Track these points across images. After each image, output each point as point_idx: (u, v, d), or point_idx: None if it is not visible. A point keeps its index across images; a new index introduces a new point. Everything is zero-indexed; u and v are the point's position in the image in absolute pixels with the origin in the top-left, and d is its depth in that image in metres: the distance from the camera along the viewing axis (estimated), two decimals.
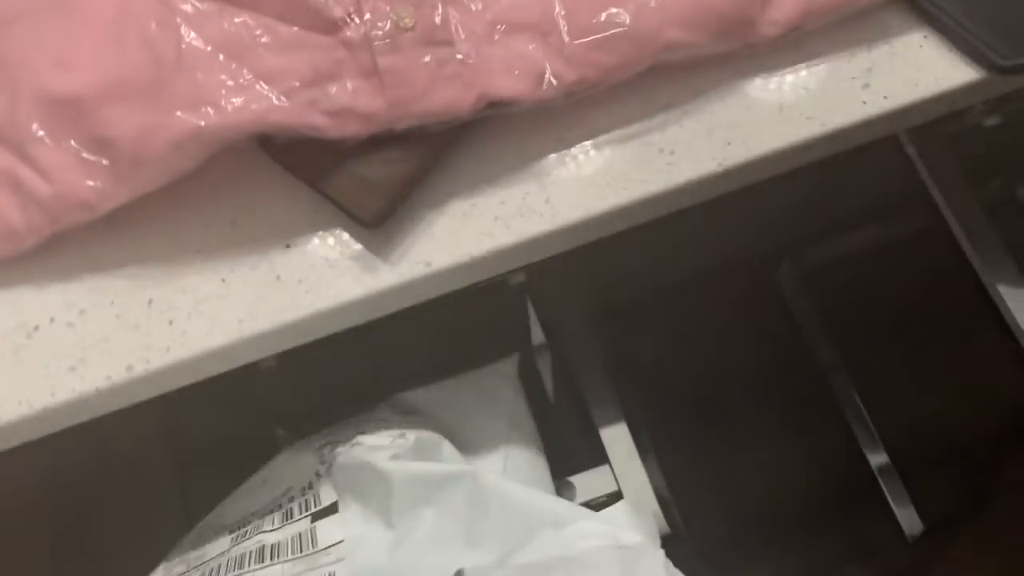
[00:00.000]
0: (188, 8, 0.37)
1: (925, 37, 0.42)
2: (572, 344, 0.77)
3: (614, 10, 0.39)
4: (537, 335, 0.82)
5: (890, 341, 1.05)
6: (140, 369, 0.38)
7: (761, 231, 0.98)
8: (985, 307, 0.80)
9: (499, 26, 0.39)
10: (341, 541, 0.44)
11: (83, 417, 0.39)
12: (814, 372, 1.04)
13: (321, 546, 0.43)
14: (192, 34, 0.37)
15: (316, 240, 0.40)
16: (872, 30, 0.42)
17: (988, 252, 0.83)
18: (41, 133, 0.38)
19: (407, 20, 0.38)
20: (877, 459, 1.06)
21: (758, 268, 1.05)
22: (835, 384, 1.06)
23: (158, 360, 0.38)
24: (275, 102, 0.37)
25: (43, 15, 0.39)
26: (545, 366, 0.86)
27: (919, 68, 0.41)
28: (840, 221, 1.01)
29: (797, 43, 0.42)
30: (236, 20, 0.37)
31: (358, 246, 0.40)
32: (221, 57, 0.37)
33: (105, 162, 0.37)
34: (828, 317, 1.05)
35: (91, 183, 0.37)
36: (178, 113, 0.36)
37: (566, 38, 0.39)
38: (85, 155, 0.37)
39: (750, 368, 1.05)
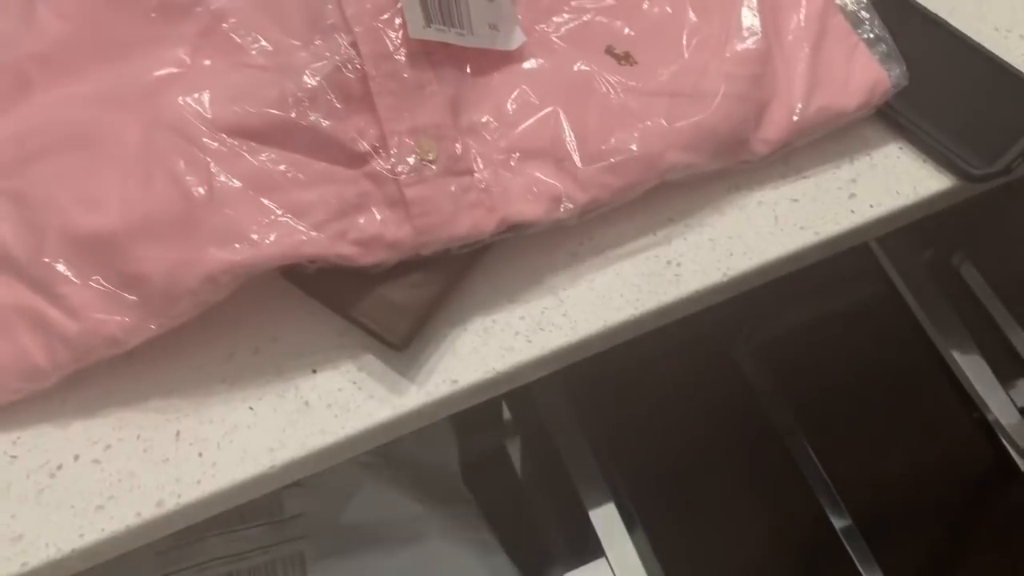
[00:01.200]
0: (215, 145, 0.38)
1: (901, 148, 0.45)
2: (552, 420, 0.77)
3: (622, 136, 0.41)
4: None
5: (848, 406, 1.09)
6: (171, 504, 0.38)
7: (717, 308, 1.02)
8: (938, 370, 0.84)
9: (515, 153, 0.41)
10: None
11: (112, 555, 0.38)
12: (777, 441, 1.07)
13: None
14: (220, 170, 0.38)
15: (342, 364, 0.40)
16: (853, 143, 0.45)
17: (939, 318, 0.87)
18: (68, 271, 0.38)
19: (431, 153, 0.39)
20: (841, 523, 1.09)
21: (715, 344, 1.09)
22: (796, 452, 1.09)
23: (189, 494, 0.38)
24: (306, 235, 0.38)
25: (65, 153, 0.39)
26: (514, 446, 0.87)
27: (898, 178, 0.45)
28: (792, 294, 1.05)
29: (786, 157, 0.45)
30: (263, 157, 0.38)
31: (384, 367, 0.40)
32: (250, 193, 0.38)
33: (134, 298, 0.37)
34: (786, 387, 1.08)
35: (120, 319, 0.38)
36: (210, 248, 0.37)
37: (578, 163, 0.41)
38: (114, 292, 0.38)
39: (716, 442, 1.08)
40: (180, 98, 0.39)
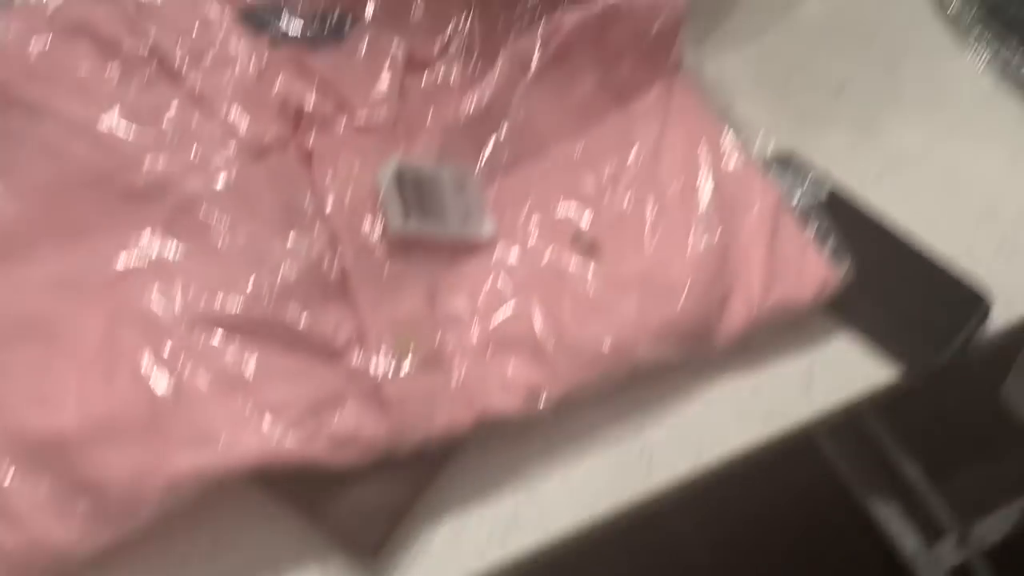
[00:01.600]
0: (184, 340, 0.36)
1: (850, 340, 0.47)
2: None
3: (596, 328, 0.42)
4: None
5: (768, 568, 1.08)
6: None
7: None
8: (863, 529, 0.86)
9: (491, 345, 0.41)
10: None
11: None
12: None
13: None
14: (189, 367, 0.36)
15: (305, 571, 0.38)
16: (806, 334, 0.47)
17: (862, 478, 0.89)
18: (13, 473, 0.35)
19: (410, 347, 0.39)
20: None
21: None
22: None
23: None
24: (278, 436, 0.36)
25: (18, 344, 0.37)
26: None
27: (850, 367, 0.46)
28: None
29: (745, 347, 0.46)
30: (236, 352, 0.37)
31: (352, 573, 0.38)
32: (221, 391, 0.36)
33: (87, 507, 0.34)
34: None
35: (67, 530, 0.34)
36: (176, 453, 0.35)
37: (553, 355, 0.41)
38: (64, 499, 0.35)
39: None
40: (147, 288, 0.37)
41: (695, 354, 0.44)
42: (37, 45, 0.44)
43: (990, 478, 0.96)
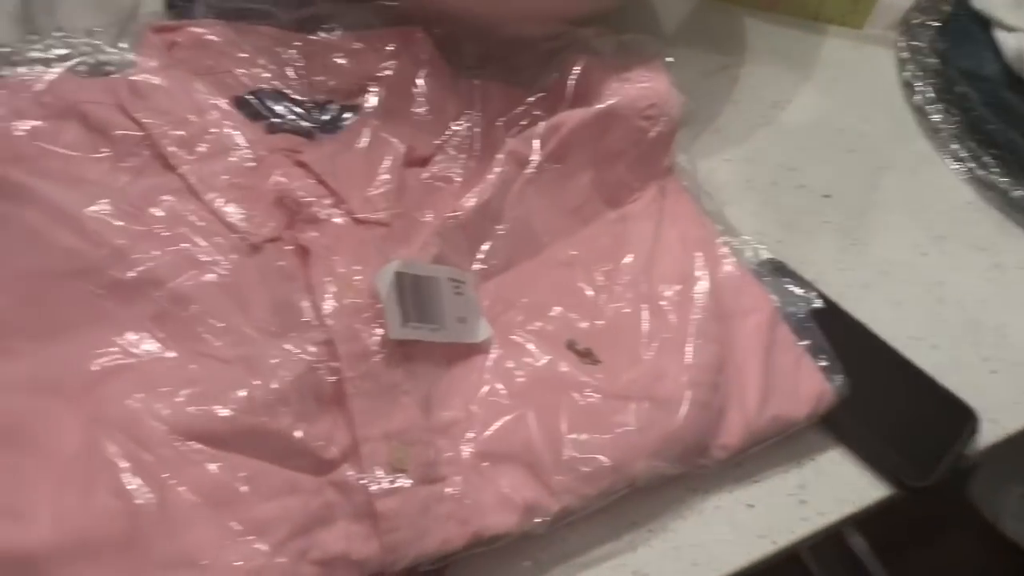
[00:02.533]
0: (168, 451, 0.35)
1: (843, 455, 0.47)
2: None
3: (593, 443, 0.41)
4: None
5: None
6: None
7: None
8: None
9: (486, 460, 0.39)
10: None
11: None
12: None
13: None
14: (173, 480, 0.34)
15: None
16: (799, 449, 0.46)
17: None
18: None
19: (403, 461, 0.37)
20: None
21: None
22: None
23: None
24: (265, 556, 0.34)
25: None
26: None
27: (843, 484, 0.46)
28: None
29: (739, 461, 0.45)
30: (223, 465, 0.35)
31: None
32: (206, 508, 0.34)
33: None
34: None
35: None
36: (156, 574, 0.32)
37: (550, 470, 0.40)
38: None
39: None
40: (130, 392, 0.36)
41: (691, 468, 0.43)
42: (23, 124, 0.42)
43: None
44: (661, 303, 0.46)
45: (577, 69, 0.51)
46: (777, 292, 0.49)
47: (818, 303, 0.49)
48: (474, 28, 0.53)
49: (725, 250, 0.49)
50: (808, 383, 0.46)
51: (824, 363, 0.46)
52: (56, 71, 0.45)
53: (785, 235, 0.55)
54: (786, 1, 0.66)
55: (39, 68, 0.46)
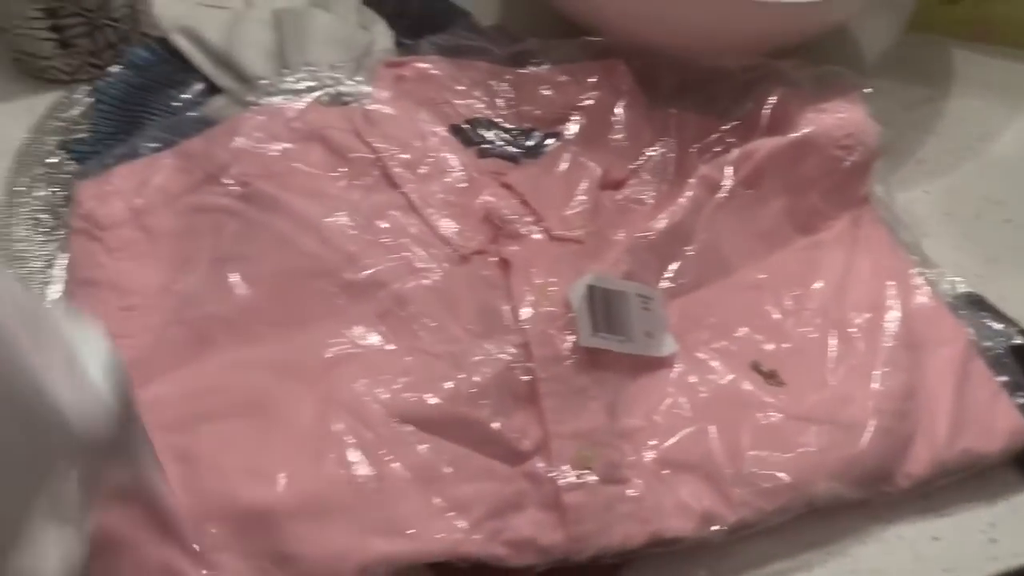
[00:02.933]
0: (387, 431, 0.39)
1: None
2: None
3: (773, 460, 0.42)
4: None
5: None
6: None
7: None
8: None
9: (666, 467, 0.42)
10: None
11: None
12: None
13: None
14: (388, 457, 0.39)
15: None
16: (992, 485, 0.45)
17: None
18: (220, 537, 0.38)
19: (590, 460, 0.40)
20: None
21: None
22: None
23: None
24: (464, 533, 0.38)
25: (237, 417, 0.41)
26: None
27: None
28: None
29: (925, 492, 0.45)
30: (431, 447, 0.39)
31: None
32: (417, 484, 0.38)
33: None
34: None
35: None
36: (371, 538, 0.37)
37: (729, 483, 0.41)
38: (264, 568, 0.37)
39: None
40: (356, 377, 0.41)
41: (873, 495, 0.43)
42: (276, 146, 0.49)
43: None
44: (850, 330, 0.47)
45: (773, 99, 0.52)
46: (974, 326, 0.48)
47: (1019, 339, 0.48)
48: (673, 60, 0.55)
49: (920, 281, 0.49)
50: (1004, 419, 0.44)
51: (1021, 400, 0.45)
52: (304, 101, 0.52)
53: (986, 270, 0.53)
54: (1000, 31, 0.65)
55: (290, 98, 0.53)
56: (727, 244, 0.50)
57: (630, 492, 0.40)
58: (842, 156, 0.51)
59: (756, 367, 0.46)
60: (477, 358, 0.42)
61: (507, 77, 0.55)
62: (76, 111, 0.58)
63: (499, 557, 0.38)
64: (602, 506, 0.39)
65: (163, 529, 0.39)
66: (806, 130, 0.51)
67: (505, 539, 0.38)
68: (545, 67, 0.55)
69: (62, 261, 0.48)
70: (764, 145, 0.51)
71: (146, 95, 0.57)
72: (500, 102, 0.54)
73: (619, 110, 0.53)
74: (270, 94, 0.53)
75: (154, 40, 0.60)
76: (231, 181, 0.48)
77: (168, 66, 0.59)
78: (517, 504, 0.39)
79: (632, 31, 0.55)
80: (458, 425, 0.40)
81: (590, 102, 0.53)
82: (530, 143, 0.53)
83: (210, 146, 0.49)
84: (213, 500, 0.39)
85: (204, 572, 0.37)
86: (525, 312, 0.43)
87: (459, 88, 0.54)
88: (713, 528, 0.41)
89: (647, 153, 0.52)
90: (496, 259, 0.46)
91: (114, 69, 0.59)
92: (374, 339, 0.43)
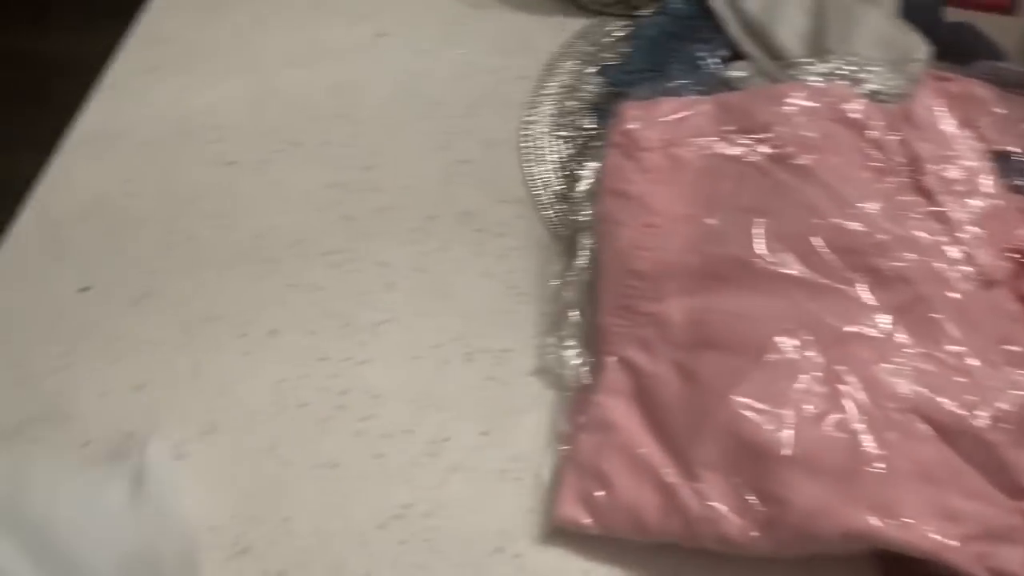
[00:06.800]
0: (895, 415, 0.40)
1: None
2: None
3: None
4: None
5: None
6: None
7: None
8: None
9: None
10: None
11: None
12: None
13: None
14: (894, 439, 0.39)
15: None
16: None
17: None
18: (712, 457, 0.40)
19: None
20: None
21: None
22: None
23: None
24: (950, 541, 0.37)
25: (742, 356, 0.42)
26: None
27: None
28: None
29: None
30: (938, 449, 0.39)
31: None
32: (916, 476, 0.38)
33: (763, 516, 0.39)
34: None
35: (739, 524, 0.39)
36: (860, 509, 0.38)
37: None
38: (747, 499, 0.39)
39: None
40: (870, 356, 0.41)
41: None
42: (817, 122, 0.50)
43: None
44: None
45: None
46: None
47: None
48: None
49: None
50: None
51: None
52: (844, 88, 0.53)
53: None
54: None
55: (824, 82, 0.54)
56: None
57: None
58: None
59: None
60: (994, 384, 0.41)
61: None
62: (607, 40, 0.64)
63: (973, 573, 0.38)
64: None
65: (658, 430, 0.42)
66: None
67: (990, 566, 0.37)
68: None
69: (589, 164, 0.53)
70: None
71: (676, 43, 0.61)
72: None
73: None
74: (806, 74, 0.55)
75: None
76: (766, 141, 0.50)
77: (700, 22, 0.62)
78: (1005, 537, 0.38)
79: None
80: (968, 441, 0.40)
81: None
82: None
83: (752, 105, 0.52)
84: (710, 422, 0.41)
85: (692, 484, 0.40)
86: None
87: (999, 113, 0.52)
88: None
89: None
90: (1015, 295, 0.45)
91: (650, 13, 0.63)
92: (891, 328, 0.43)
